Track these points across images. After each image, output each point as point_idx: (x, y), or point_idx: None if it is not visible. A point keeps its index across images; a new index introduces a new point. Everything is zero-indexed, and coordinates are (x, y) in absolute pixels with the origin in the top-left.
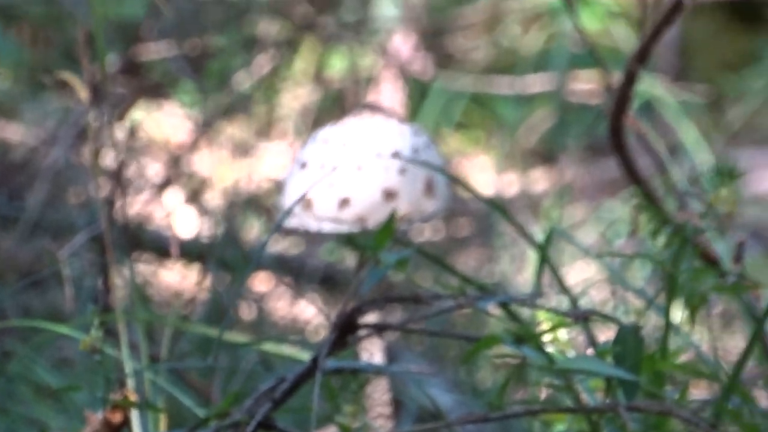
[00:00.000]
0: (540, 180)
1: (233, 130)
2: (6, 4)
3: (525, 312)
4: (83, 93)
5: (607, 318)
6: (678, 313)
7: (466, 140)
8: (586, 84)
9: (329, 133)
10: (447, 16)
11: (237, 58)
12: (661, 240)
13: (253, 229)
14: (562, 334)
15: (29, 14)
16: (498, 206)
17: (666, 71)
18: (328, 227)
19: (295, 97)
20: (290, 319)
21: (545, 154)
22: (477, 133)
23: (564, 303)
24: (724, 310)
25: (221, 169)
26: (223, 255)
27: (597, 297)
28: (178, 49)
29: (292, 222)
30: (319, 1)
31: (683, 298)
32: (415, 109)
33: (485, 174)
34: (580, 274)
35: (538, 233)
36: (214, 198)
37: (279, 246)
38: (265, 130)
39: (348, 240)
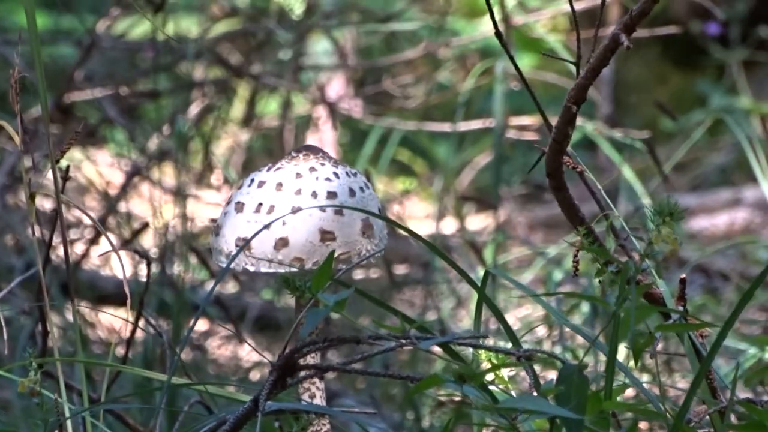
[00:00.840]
0: (479, 221)
1: (167, 174)
2: None
3: (468, 352)
4: (16, 138)
5: (550, 357)
6: (621, 352)
7: (403, 183)
8: (524, 122)
9: (265, 174)
10: (381, 59)
11: (171, 102)
12: (603, 279)
13: (189, 271)
14: (505, 373)
15: None
16: (435, 247)
17: (603, 111)
18: (265, 268)
19: (230, 140)
20: (230, 360)
21: (482, 197)
22: (414, 176)
23: (506, 343)
24: (667, 347)
25: (157, 212)
26: (161, 297)
27: (539, 337)
28: (110, 93)
29: (233, 264)
30: (252, 45)
31: (627, 337)
32: (350, 152)
33: (423, 215)
34: (523, 314)
35: (479, 274)
36: (149, 240)
37: (217, 286)
38: (201, 174)
39: (286, 281)
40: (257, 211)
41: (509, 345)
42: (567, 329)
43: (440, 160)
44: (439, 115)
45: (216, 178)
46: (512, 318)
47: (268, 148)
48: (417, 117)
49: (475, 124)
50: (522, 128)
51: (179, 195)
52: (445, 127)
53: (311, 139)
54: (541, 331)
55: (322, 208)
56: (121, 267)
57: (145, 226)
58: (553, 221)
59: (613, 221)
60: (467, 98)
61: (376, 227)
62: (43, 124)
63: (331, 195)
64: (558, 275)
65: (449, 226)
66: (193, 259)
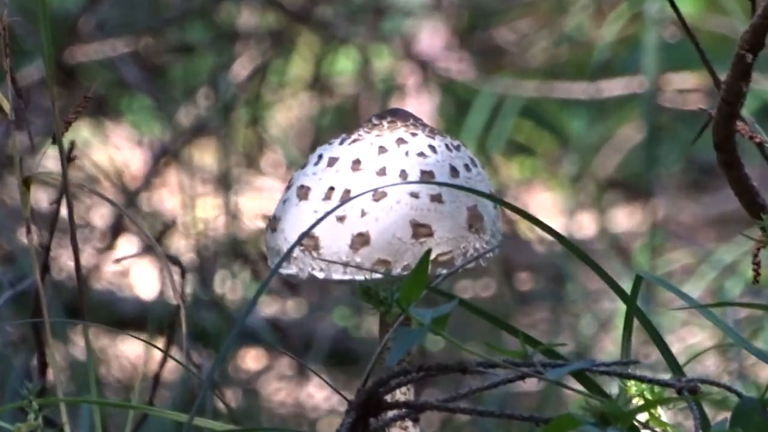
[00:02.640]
0: (625, 219)
1: (206, 157)
2: None
3: (611, 385)
4: (5, 105)
5: (721, 388)
6: None
7: (522, 167)
8: (682, 86)
9: (337, 149)
10: (491, 1)
11: (209, 60)
12: None
13: (236, 286)
14: (662, 412)
15: None
16: (573, 246)
17: None
18: (338, 274)
19: (289, 111)
20: (292, 405)
21: (631, 185)
22: (538, 157)
23: (664, 372)
24: None
25: (192, 208)
26: (198, 321)
27: (708, 365)
28: (128, 49)
29: (290, 269)
30: None
31: None
32: (452, 126)
33: (551, 211)
34: (685, 336)
35: (627, 283)
36: (182, 246)
37: (273, 308)
38: (250, 156)
39: (366, 291)
40: (327, 197)
41: (668, 376)
42: (747, 357)
43: (572, 135)
44: (570, 75)
45: (271, 160)
46: (673, 343)
47: (341, 121)
48: (540, 78)
49: (619, 87)
50: (682, 91)
51: (222, 184)
52: (579, 91)
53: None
54: (712, 360)
55: (415, 193)
56: (144, 282)
57: (172, 224)
58: (727, 216)
59: None
60: (607, 53)
61: (487, 218)
62: (36, 91)
63: (427, 175)
64: (734, 287)
65: (586, 223)
66: (243, 270)
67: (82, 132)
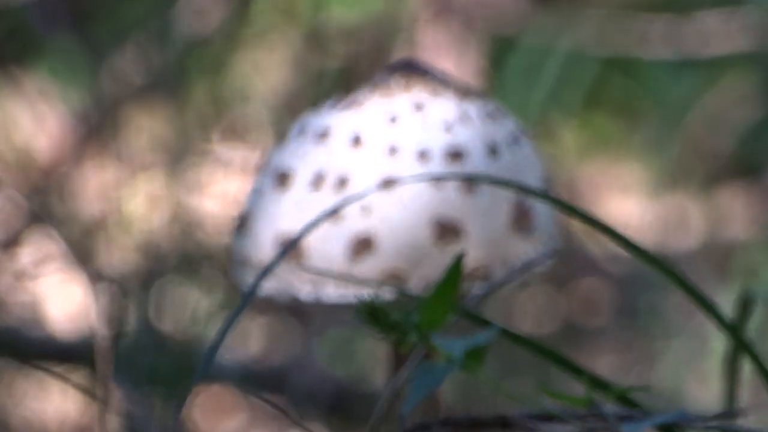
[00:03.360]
0: (736, 210)
1: (147, 127)
2: None
3: None
4: None
5: None
6: None
7: (593, 134)
8: None
9: (329, 119)
10: None
11: None
12: None
13: (195, 307)
14: None
15: None
16: (660, 263)
17: None
18: (333, 292)
19: (267, 64)
20: None
21: (745, 164)
22: (614, 121)
23: None
24: None
25: (131, 200)
26: (143, 359)
27: None
28: None
29: (268, 286)
30: None
31: None
32: (495, 80)
33: (632, 197)
34: None
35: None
36: (118, 254)
37: (250, 346)
38: (213, 127)
39: (371, 313)
40: (315, 187)
41: None
42: None
43: (659, 90)
44: (655, 5)
45: (244, 132)
46: None
47: (340, 78)
48: (613, 9)
49: (729, 33)
50: None
51: (171, 164)
52: (679, 36)
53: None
54: None
55: (438, 181)
56: (64, 308)
57: (109, 227)
58: None
59: None
60: None
61: (539, 216)
62: None
63: (455, 156)
64: None
65: (684, 219)
66: (203, 287)
67: None
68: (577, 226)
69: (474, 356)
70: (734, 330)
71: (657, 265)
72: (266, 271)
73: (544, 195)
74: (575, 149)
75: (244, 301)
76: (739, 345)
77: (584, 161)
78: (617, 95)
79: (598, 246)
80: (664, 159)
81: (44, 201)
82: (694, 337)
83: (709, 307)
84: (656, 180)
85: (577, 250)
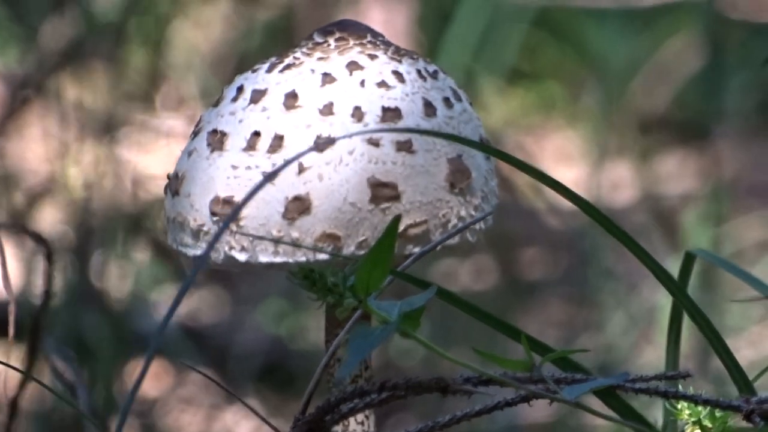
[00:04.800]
0: (676, 172)
1: (83, 92)
2: None
3: (653, 408)
4: None
5: None
6: None
7: (531, 98)
8: None
9: (264, 78)
10: None
11: None
12: None
13: (127, 273)
14: None
15: None
16: (600, 215)
17: None
18: (267, 256)
19: (203, 27)
20: None
21: (685, 125)
22: (553, 84)
23: (724, 390)
24: None
25: (61, 165)
26: (75, 325)
27: None
28: None
29: (196, 246)
30: None
31: None
32: (432, 42)
33: (570, 162)
34: (760, 339)
35: (676, 266)
36: (51, 217)
37: (183, 307)
38: (146, 91)
39: (308, 276)
40: (251, 147)
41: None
42: None
43: (600, 53)
44: None
45: (177, 96)
46: (742, 349)
47: (277, 42)
48: None
49: None
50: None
51: (106, 128)
52: None
53: (355, 16)
54: None
55: (375, 141)
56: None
57: (44, 192)
58: None
59: None
60: None
61: (476, 174)
62: None
63: (392, 114)
64: None
65: (620, 179)
66: (140, 251)
67: None
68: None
69: (411, 318)
70: (676, 286)
71: (602, 218)
72: (214, 241)
73: (483, 147)
74: (512, 115)
75: (194, 271)
76: (682, 303)
77: (523, 126)
78: (559, 56)
79: (541, 201)
80: (601, 125)
81: None
82: (642, 299)
83: (650, 263)
84: (595, 144)
85: (520, 207)
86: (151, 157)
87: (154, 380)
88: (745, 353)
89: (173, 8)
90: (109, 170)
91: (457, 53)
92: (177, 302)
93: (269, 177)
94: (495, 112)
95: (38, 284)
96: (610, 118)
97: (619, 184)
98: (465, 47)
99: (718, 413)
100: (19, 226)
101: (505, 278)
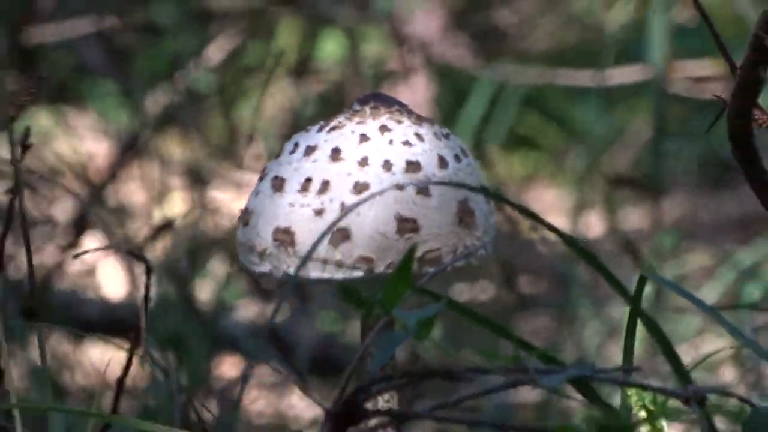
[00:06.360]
0: (637, 219)
1: (176, 148)
2: None
3: (614, 394)
4: None
5: (727, 396)
6: None
7: (525, 161)
8: (698, 73)
9: (315, 137)
10: None
11: (180, 43)
12: None
13: (209, 287)
14: (665, 425)
15: None
16: (577, 245)
17: None
18: (317, 272)
19: (270, 98)
20: (272, 416)
21: (644, 182)
22: (542, 151)
23: (671, 381)
24: None
25: (161, 202)
26: (168, 324)
27: (725, 377)
28: (91, 30)
29: (263, 266)
30: None
31: None
32: (449, 117)
33: (555, 209)
34: (701, 344)
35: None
36: (151, 244)
37: (252, 311)
38: (226, 148)
39: (347, 292)
40: (304, 189)
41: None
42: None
43: (579, 127)
44: (577, 61)
45: (250, 153)
46: (687, 352)
47: (326, 111)
48: (544, 64)
49: (630, 75)
50: (698, 80)
51: (194, 176)
52: (586, 79)
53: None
54: (730, 371)
55: (400, 186)
56: (109, 282)
57: (169, 225)
58: (750, 215)
59: None
60: (618, 37)
61: (479, 213)
62: None
63: (413, 166)
64: (755, 291)
65: (593, 223)
66: (221, 268)
67: (42, 120)
68: (519, 224)
69: (425, 324)
70: (634, 300)
71: (578, 248)
72: (305, 259)
73: (483, 191)
74: (510, 173)
75: (290, 287)
76: (636, 312)
77: (518, 183)
78: (547, 128)
79: (536, 236)
80: (579, 182)
81: (101, 202)
82: (611, 311)
83: (614, 283)
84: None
85: (519, 241)
86: (230, 196)
87: (230, 367)
88: (686, 356)
89: (250, 84)
90: (198, 208)
91: (469, 123)
92: (274, 313)
93: (344, 214)
94: (497, 169)
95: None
96: (586, 177)
97: (591, 224)
98: (474, 119)
99: (660, 399)
100: (129, 249)
101: (503, 294)
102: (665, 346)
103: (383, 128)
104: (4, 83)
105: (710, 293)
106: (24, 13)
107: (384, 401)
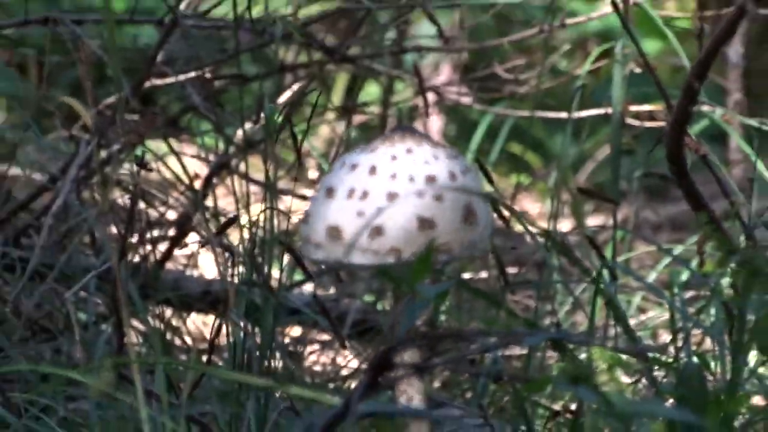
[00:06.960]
0: (599, 220)
1: (257, 169)
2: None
3: (582, 353)
4: (87, 119)
5: (668, 356)
6: (752, 354)
7: (513, 177)
8: (647, 109)
9: (357, 157)
10: (491, 41)
11: (260, 88)
12: (729, 272)
13: (278, 270)
14: (622, 376)
15: (33, 42)
16: (554, 240)
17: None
18: (358, 259)
19: (326, 128)
20: (328, 369)
21: (602, 193)
22: (526, 170)
23: (623, 341)
24: None
25: (245, 208)
26: (250, 299)
27: (663, 340)
28: (194, 77)
29: (318, 254)
30: (348, 25)
31: (757, 336)
32: (457, 143)
33: (537, 215)
34: (643, 315)
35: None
36: (238, 239)
37: (309, 289)
38: (294, 169)
39: (382, 273)
40: (349, 196)
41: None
42: (694, 335)
43: (556, 152)
44: (556, 103)
45: (311, 171)
46: (635, 321)
47: (366, 138)
48: (530, 105)
49: (593, 112)
50: (644, 115)
51: (269, 188)
52: (561, 114)
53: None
54: (666, 336)
55: (421, 193)
56: (204, 267)
57: (235, 219)
58: (682, 220)
59: (741, 209)
60: (584, 83)
61: (480, 213)
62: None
63: (430, 179)
64: (684, 276)
65: (566, 226)
66: (286, 258)
67: (161, 148)
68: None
69: (440, 296)
70: (596, 280)
71: (552, 239)
72: (350, 249)
73: (485, 197)
74: (504, 186)
75: (338, 270)
76: (598, 288)
77: (512, 194)
78: (532, 155)
79: (523, 238)
80: (556, 191)
81: (200, 206)
82: (583, 292)
83: (580, 265)
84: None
85: (513, 236)
86: (295, 203)
87: (294, 331)
88: (634, 322)
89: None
90: (272, 213)
91: (471, 148)
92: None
93: (379, 215)
94: (494, 185)
95: (230, 275)
96: (559, 189)
97: (563, 224)
98: (475, 144)
99: (616, 356)
100: (218, 241)
101: (496, 276)
102: (619, 316)
103: (408, 150)
104: (128, 119)
105: (651, 276)
106: (144, 66)
107: (408, 357)
